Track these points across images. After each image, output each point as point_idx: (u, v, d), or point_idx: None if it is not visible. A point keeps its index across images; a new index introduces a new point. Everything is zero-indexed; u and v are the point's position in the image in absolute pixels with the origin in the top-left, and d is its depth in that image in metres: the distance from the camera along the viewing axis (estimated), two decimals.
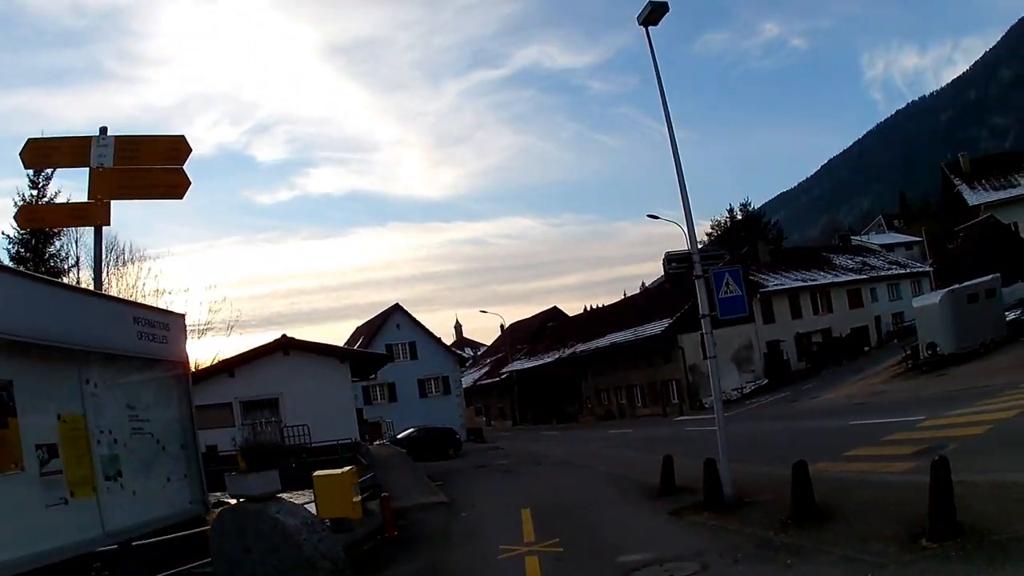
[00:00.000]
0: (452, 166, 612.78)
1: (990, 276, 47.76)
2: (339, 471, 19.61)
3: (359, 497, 19.55)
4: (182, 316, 12.27)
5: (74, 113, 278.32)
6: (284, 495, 12.41)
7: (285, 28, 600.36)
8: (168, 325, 11.31)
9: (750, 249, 77.29)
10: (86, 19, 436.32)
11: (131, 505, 9.55)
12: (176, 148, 14.83)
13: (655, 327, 68.20)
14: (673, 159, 17.10)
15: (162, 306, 23.38)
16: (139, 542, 10.80)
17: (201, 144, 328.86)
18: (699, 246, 17.81)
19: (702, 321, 16.58)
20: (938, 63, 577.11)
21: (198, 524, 12.75)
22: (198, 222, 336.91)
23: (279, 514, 10.85)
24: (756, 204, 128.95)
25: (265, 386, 40.70)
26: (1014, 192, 73.93)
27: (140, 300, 37.40)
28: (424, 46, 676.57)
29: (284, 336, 43.77)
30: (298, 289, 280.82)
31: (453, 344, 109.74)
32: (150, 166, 14.59)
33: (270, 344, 43.41)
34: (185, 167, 14.69)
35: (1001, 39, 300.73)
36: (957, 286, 46.77)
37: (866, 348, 71.79)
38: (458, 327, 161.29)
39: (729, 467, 16.39)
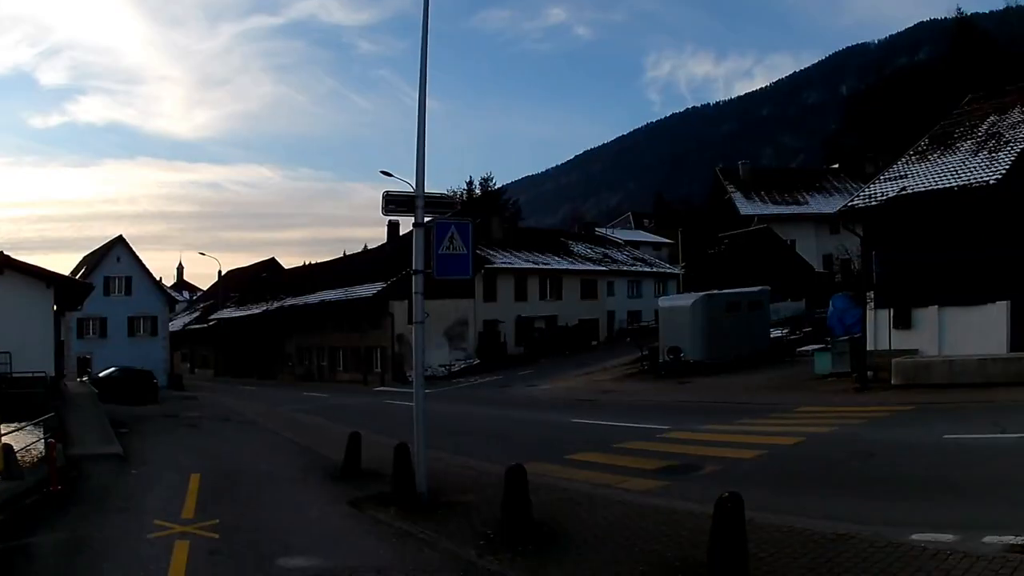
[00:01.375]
0: (209, 108, 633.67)
1: (759, 288, 47.45)
2: None
3: None
4: None
5: None
6: None
7: None
8: None
9: (483, 222, 74.56)
10: None
11: None
12: None
13: (367, 289, 67.34)
14: (418, 107, 14.71)
15: None
16: None
17: None
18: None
19: (413, 278, 14.29)
20: (732, 75, 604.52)
21: None
22: None
23: None
24: (500, 183, 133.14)
25: None
26: (797, 209, 76.39)
27: None
28: None
29: None
30: (49, 216, 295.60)
31: (173, 286, 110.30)
32: None
33: None
34: None
35: (816, 63, 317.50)
36: (716, 292, 45.84)
37: (594, 342, 72.31)
38: (180, 269, 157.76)
39: (426, 456, 14.39)
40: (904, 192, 29.96)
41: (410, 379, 53.83)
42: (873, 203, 30.69)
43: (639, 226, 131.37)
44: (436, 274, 14.07)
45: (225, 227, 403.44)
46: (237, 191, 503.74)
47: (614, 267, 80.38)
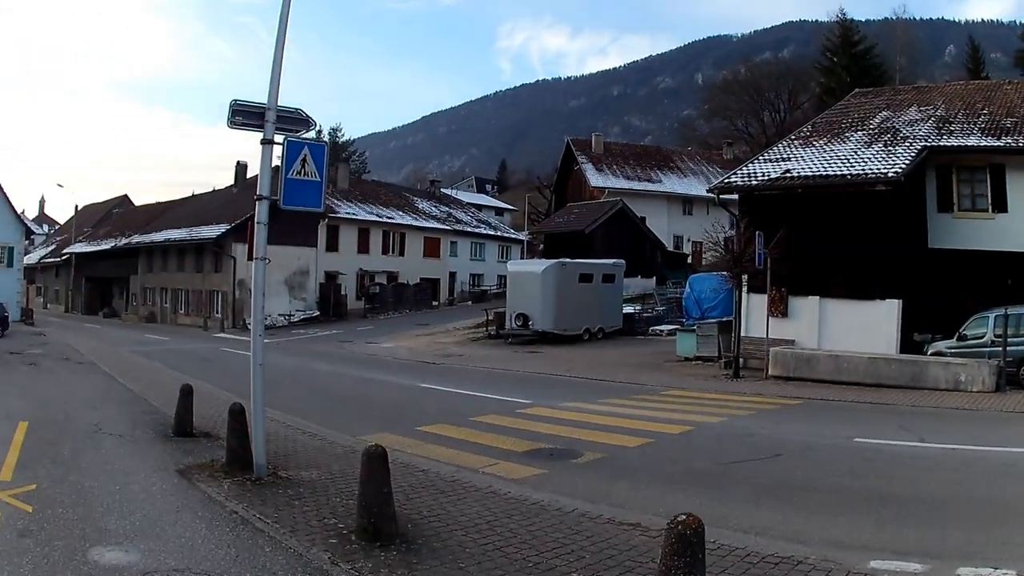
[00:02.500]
0: None
1: (613, 260, 45.51)
2: None
3: None
4: None
5: None
6: None
7: None
8: None
9: (329, 169, 70.63)
10: None
11: None
12: None
13: (212, 230, 64.44)
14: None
15: None
16: None
17: None
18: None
19: (257, 206, 12.02)
20: (587, 52, 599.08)
21: None
22: None
23: None
24: (349, 138, 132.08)
25: None
26: (649, 186, 74.73)
27: None
28: None
29: None
30: None
31: (35, 219, 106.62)
32: None
33: None
34: None
35: (674, 49, 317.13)
36: (569, 260, 43.50)
37: (435, 303, 70.48)
38: (42, 202, 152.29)
39: (264, 423, 12.02)
40: (789, 174, 28.21)
41: (250, 327, 52.26)
42: (753, 182, 28.86)
43: (481, 191, 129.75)
44: (284, 203, 11.78)
45: (86, 163, 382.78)
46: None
47: (458, 227, 78.31)
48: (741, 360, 27.14)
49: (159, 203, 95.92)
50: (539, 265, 43.39)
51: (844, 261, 26.56)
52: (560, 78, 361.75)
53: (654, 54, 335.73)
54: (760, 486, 11.78)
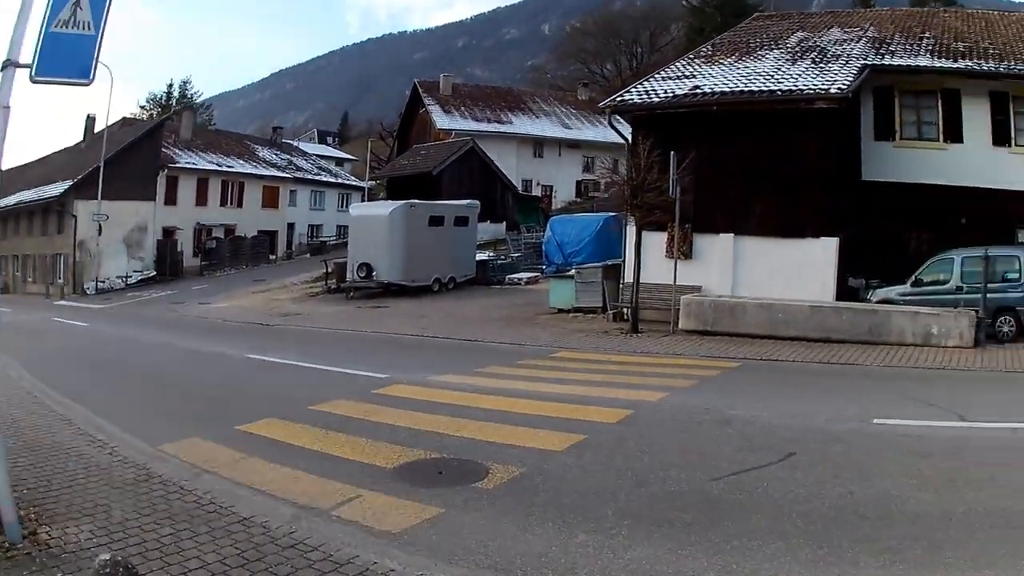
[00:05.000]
0: None
1: (467, 201, 40.37)
2: None
3: None
4: None
5: None
6: None
7: None
8: None
9: (172, 116, 64.90)
10: None
11: None
12: None
13: (56, 188, 57.51)
14: None
15: None
16: None
17: None
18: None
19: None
20: (432, 5, 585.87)
21: None
22: None
23: None
24: (201, 98, 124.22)
25: None
26: (500, 128, 69.10)
27: None
28: None
29: None
30: None
31: None
32: None
33: None
34: None
35: (521, 1, 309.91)
36: (418, 201, 38.19)
37: (272, 256, 64.31)
38: None
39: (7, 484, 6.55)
40: (700, 91, 23.05)
41: (88, 292, 51.05)
42: (655, 99, 23.54)
43: (323, 144, 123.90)
44: (36, 72, 6.87)
45: None
46: None
47: (299, 175, 71.89)
48: (627, 312, 22.24)
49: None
50: (385, 207, 37.64)
51: (767, 193, 21.88)
52: (406, 32, 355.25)
53: (501, 6, 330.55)
54: (823, 528, 6.79)
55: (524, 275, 38.76)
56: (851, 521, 6.92)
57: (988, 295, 18.36)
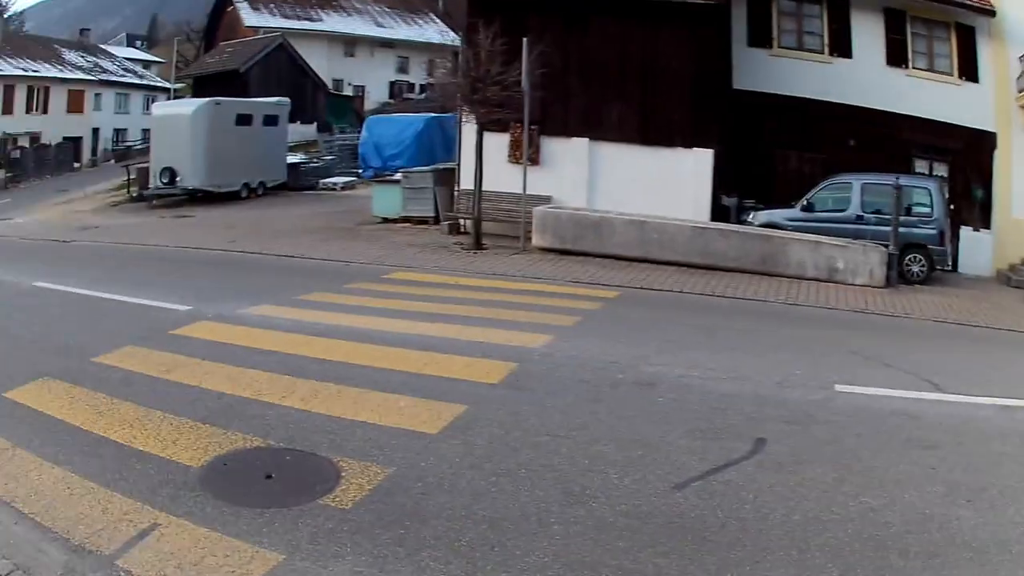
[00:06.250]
0: None
1: (277, 99, 35.95)
2: None
3: None
4: None
5: None
6: None
7: None
8: None
9: None
10: None
11: None
12: None
13: None
14: None
15: None
16: None
17: None
18: None
19: None
20: None
21: None
22: None
23: None
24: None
25: None
26: (310, 26, 64.48)
27: None
28: None
29: None
30: None
31: None
32: None
33: None
34: None
35: None
36: (225, 99, 33.75)
37: (77, 164, 58.38)
38: None
39: None
40: None
41: None
42: None
43: (132, 47, 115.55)
44: None
45: None
46: None
47: (104, 77, 65.39)
48: (465, 224, 19.46)
49: None
50: (188, 106, 33.34)
51: (629, 95, 19.04)
52: None
53: None
54: None
55: (339, 180, 35.48)
56: (896, 564, 4.43)
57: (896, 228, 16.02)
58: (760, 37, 20.90)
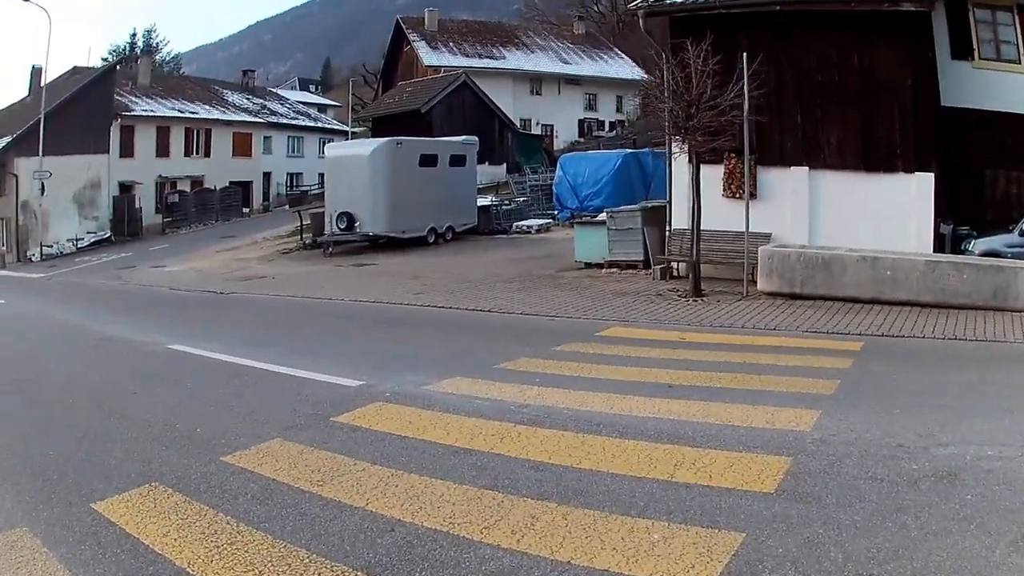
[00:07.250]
0: None
1: (463, 137, 35.62)
2: None
3: None
4: None
5: None
6: None
7: None
8: None
9: (124, 62, 60.19)
10: None
11: None
12: None
13: None
14: None
15: None
16: None
17: None
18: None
19: None
20: None
21: None
22: None
23: None
24: (175, 52, 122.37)
25: None
26: (492, 64, 65.22)
27: None
28: None
29: None
30: None
31: None
32: None
33: None
34: None
35: None
36: (406, 138, 33.44)
37: (246, 209, 59.49)
38: None
39: None
40: None
41: (33, 259, 47.09)
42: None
43: (304, 92, 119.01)
44: None
45: None
46: None
47: (273, 119, 66.59)
48: (678, 267, 17.91)
49: None
50: (367, 146, 33.00)
51: (845, 116, 17.56)
52: None
53: None
54: None
55: (534, 222, 34.41)
56: None
57: None
58: (962, 48, 18.97)
